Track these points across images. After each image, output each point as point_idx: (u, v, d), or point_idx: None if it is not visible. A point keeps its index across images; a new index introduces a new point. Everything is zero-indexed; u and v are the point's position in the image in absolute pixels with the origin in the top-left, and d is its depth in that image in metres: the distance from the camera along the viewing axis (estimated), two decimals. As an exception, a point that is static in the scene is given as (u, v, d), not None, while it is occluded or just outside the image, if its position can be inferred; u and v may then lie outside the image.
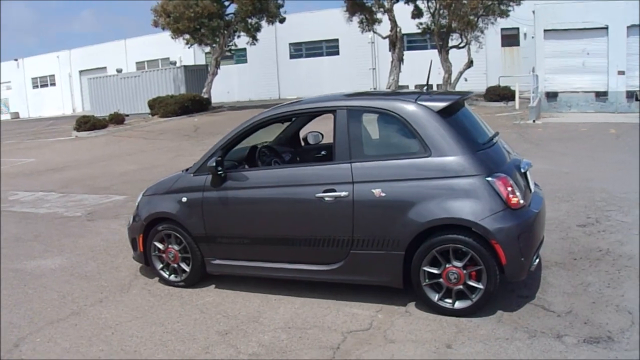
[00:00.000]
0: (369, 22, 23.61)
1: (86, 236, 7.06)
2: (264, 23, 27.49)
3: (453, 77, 21.81)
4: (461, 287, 3.89)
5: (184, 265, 4.97)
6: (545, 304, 4.10)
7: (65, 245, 6.69)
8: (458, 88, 22.40)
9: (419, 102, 4.10)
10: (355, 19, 24.10)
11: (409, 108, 4.09)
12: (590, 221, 6.11)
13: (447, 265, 3.89)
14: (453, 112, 4.27)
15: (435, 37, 21.93)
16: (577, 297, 4.20)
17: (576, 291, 4.31)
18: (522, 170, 4.30)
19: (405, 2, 22.70)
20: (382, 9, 22.54)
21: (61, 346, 4.08)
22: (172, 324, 4.31)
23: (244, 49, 36.60)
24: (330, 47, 37.95)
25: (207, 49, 29.72)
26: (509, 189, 3.84)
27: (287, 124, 5.62)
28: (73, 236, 7.10)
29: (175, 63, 32.72)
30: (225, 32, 26.64)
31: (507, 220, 3.77)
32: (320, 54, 38.61)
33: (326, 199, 4.15)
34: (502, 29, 25.30)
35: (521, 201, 3.90)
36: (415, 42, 29.10)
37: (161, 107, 26.65)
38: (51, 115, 42.05)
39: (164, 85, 30.48)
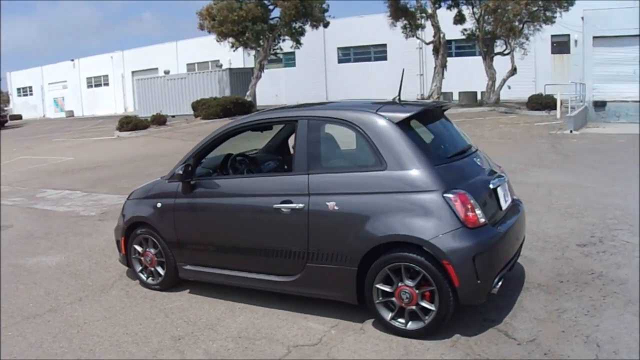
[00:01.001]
0: (412, 28, 23.35)
1: (92, 235, 7.29)
2: (308, 27, 27.63)
3: (497, 85, 21.15)
4: (414, 307, 3.74)
5: (159, 269, 5.04)
6: (509, 330, 3.87)
7: (69, 244, 6.93)
8: (502, 96, 21.80)
9: (379, 113, 3.97)
10: (399, 24, 23.87)
11: (367, 119, 3.97)
12: (593, 240, 5.75)
13: (400, 284, 3.75)
14: (419, 124, 4.12)
15: (479, 44, 21.37)
16: (547, 324, 3.94)
17: (549, 317, 4.05)
18: (491, 187, 4.08)
19: (447, 8, 22.25)
20: (424, 15, 22.19)
21: (27, 341, 4.22)
22: (135, 326, 4.37)
23: (293, 53, 37.03)
24: (378, 52, 37.77)
25: (253, 52, 30.14)
26: (467, 206, 3.65)
27: (278, 131, 5.59)
28: (80, 235, 7.34)
29: (221, 66, 33.35)
30: (270, 35, 26.95)
31: (462, 239, 3.58)
32: (368, 59, 38.50)
33: (283, 210, 4.10)
34: (552, 36, 24.43)
35: (481, 220, 3.70)
36: (462, 48, 28.52)
37: (204, 109, 27.26)
38: (104, 114, 43.72)
39: (209, 88, 31.08)
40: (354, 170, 4.00)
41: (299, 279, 4.15)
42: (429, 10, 21.85)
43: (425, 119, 4.34)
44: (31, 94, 57.81)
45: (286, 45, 28.74)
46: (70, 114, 51.20)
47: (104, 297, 5.04)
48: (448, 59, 23.65)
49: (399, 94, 4.44)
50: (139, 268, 5.21)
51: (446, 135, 4.37)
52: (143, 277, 5.18)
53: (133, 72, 46.40)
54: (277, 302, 4.53)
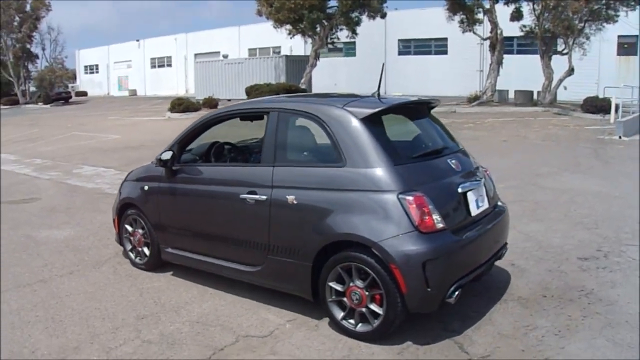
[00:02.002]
0: (470, 23, 22.65)
1: (107, 213, 7.50)
2: (365, 18, 27.36)
3: (553, 85, 20.21)
4: (363, 309, 3.67)
5: (145, 250, 5.21)
6: (466, 343, 3.71)
7: (84, 220, 7.25)
8: (560, 96, 20.83)
9: (345, 108, 3.89)
10: (457, 18, 23.22)
11: (331, 113, 3.91)
12: (597, 255, 5.42)
13: (351, 284, 3.69)
14: (396, 120, 4.01)
15: (538, 41, 20.44)
16: (509, 341, 3.75)
17: (514, 334, 3.85)
18: (460, 191, 3.91)
19: (505, 4, 21.40)
20: (481, 9, 21.46)
21: (9, 307, 4.49)
22: (109, 302, 4.55)
23: (353, 43, 36.85)
24: (438, 46, 37.03)
25: (310, 40, 30.18)
26: (423, 209, 3.51)
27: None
28: (97, 211, 7.67)
29: (278, 52, 33.63)
30: (327, 24, 26.89)
31: (413, 244, 3.45)
32: (429, 52, 37.83)
33: (248, 200, 4.12)
34: (619, 37, 23.01)
35: (438, 225, 3.56)
36: (524, 46, 27.42)
37: (256, 94, 27.61)
38: (165, 94, 44.94)
39: (265, 73, 31.40)
40: (316, 165, 3.97)
41: (261, 270, 4.17)
42: (486, 5, 21.08)
43: (404, 116, 4.22)
44: (97, 72, 60.60)
45: (343, 34, 28.56)
46: (133, 93, 53.16)
47: (93, 273, 5.26)
48: (509, 56, 22.84)
49: (379, 89, 4.33)
50: (129, 247, 5.40)
51: (422, 134, 4.23)
52: (132, 256, 5.37)
53: (196, 55, 47.61)
54: (247, 291, 4.57)
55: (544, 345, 3.67)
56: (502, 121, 18.20)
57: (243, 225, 4.23)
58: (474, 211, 3.98)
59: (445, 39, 35.03)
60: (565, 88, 20.25)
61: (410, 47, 38.90)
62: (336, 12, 26.85)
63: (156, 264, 5.17)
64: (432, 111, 4.64)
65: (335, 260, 3.70)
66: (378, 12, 26.97)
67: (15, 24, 45.31)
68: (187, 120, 21.95)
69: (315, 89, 32.44)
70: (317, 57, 28.12)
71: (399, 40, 38.73)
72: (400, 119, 4.43)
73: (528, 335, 3.83)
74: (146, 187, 5.04)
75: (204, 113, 24.15)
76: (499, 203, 4.55)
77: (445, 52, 36.20)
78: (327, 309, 3.85)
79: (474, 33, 23.18)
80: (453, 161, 4.08)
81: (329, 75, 38.95)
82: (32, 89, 47.12)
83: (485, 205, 4.17)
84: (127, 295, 4.67)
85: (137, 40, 55.17)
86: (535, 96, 21.67)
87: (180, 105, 24.79)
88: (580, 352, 3.57)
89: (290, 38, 28.91)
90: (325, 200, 3.74)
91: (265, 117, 4.29)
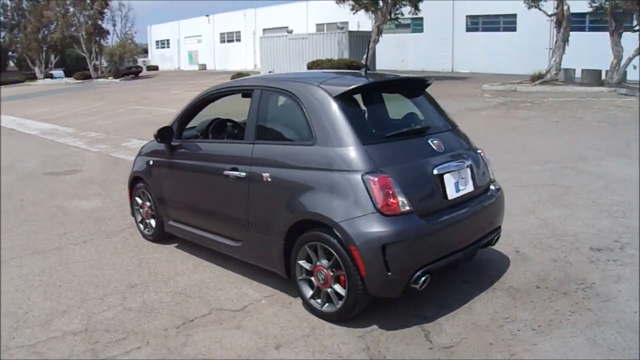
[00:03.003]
0: (535, -2, 21.41)
1: (137, 185, 7.93)
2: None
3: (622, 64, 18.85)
4: (328, 290, 3.67)
5: (152, 222, 5.43)
6: (433, 332, 3.61)
7: (114, 192, 7.62)
8: (631, 76, 19.43)
9: (321, 86, 3.85)
10: (523, -8, 22.07)
11: (305, 90, 3.88)
12: (613, 246, 5.09)
13: (318, 264, 3.70)
14: (377, 98, 3.94)
15: (608, 17, 19.05)
16: (480, 332, 3.61)
17: (488, 326, 3.69)
18: (435, 173, 3.75)
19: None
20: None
21: (20, 271, 4.86)
22: (109, 270, 4.82)
23: (421, 19, 36.05)
24: (507, 23, 35.52)
25: (373, 15, 29.67)
26: (387, 191, 3.42)
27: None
28: (128, 184, 8.02)
29: (342, 28, 33.36)
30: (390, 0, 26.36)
31: (373, 226, 3.39)
32: (497, 29, 36.40)
33: (231, 177, 4.20)
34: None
35: (404, 208, 3.46)
36: (596, 22, 25.68)
37: (318, 70, 27.74)
38: (234, 69, 45.74)
39: (328, 49, 31.27)
40: (290, 143, 3.97)
41: (242, 246, 4.27)
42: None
43: (399, 94, 4.15)
44: (168, 47, 62.70)
45: (407, 10, 27.88)
46: (203, 67, 54.54)
47: (104, 242, 5.57)
48: (580, 33, 21.50)
49: (366, 63, 4.25)
50: (139, 219, 5.66)
51: (409, 113, 4.12)
52: (141, 227, 5.62)
53: (264, 30, 48.17)
54: (238, 266, 4.67)
55: (515, 340, 3.51)
56: (562, 101, 17.23)
57: (226, 201, 4.34)
58: (452, 194, 3.82)
59: (515, 15, 33.48)
60: (634, 67, 18.80)
61: (478, 23, 37.50)
62: (398, -14, 26.26)
63: (161, 236, 5.39)
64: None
65: (303, 239, 3.72)
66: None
67: (88, 1, 47.50)
68: (243, 96, 22.32)
69: (381, 66, 32.06)
70: (379, 32, 27.62)
71: (467, 16, 37.44)
72: (393, 97, 4.34)
73: (503, 327, 3.67)
74: (151, 162, 5.24)
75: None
76: (492, 187, 4.36)
77: (514, 29, 34.62)
78: (297, 287, 3.89)
79: (539, 9, 21.92)
80: (435, 141, 3.92)
81: (397, 51, 38.26)
82: (105, 64, 49.51)
83: (469, 188, 3.99)
84: (127, 265, 4.92)
85: (207, 16, 56.49)
86: (603, 76, 20.31)
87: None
88: (550, 351, 3.37)
89: (354, 13, 28.54)
90: (296, 178, 3.75)
91: (251, 94, 4.32)
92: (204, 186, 4.62)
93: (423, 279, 3.52)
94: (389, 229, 3.38)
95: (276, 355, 3.36)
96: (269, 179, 3.90)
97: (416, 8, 26.95)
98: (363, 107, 3.95)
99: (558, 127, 12.40)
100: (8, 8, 52.09)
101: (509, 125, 12.89)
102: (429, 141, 3.90)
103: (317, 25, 44.12)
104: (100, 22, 49.43)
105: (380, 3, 26.67)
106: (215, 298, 4.16)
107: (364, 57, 27.51)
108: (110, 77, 45.48)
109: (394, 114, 4.21)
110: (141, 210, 5.56)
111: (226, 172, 4.23)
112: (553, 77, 20.50)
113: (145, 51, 65.83)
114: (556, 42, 20.90)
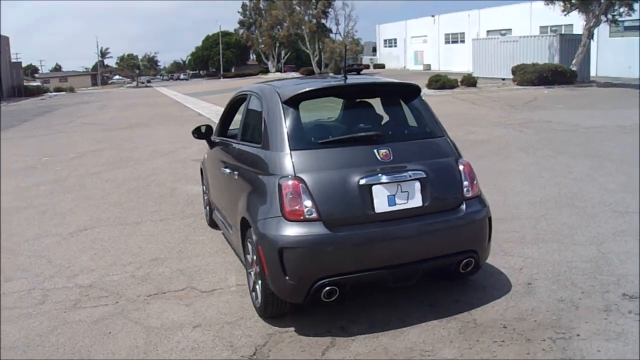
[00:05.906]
0: None
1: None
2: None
3: None
4: (258, 285, 3.87)
5: (208, 209, 6.22)
6: (336, 346, 3.47)
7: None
8: None
9: (277, 90, 4.07)
10: None
11: (266, 94, 4.16)
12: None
13: (251, 260, 3.96)
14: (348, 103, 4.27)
15: None
16: (379, 357, 3.39)
17: (397, 354, 3.37)
18: (361, 183, 3.58)
19: None
20: None
21: (94, 237, 5.98)
22: (152, 244, 5.65)
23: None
24: None
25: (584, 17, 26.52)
26: (294, 197, 3.49)
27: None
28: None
29: (555, 30, 30.68)
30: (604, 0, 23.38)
31: (274, 229, 3.49)
32: None
33: (225, 174, 4.73)
34: None
35: (311, 215, 3.46)
36: None
37: (520, 74, 26.12)
38: (456, 70, 43.89)
39: (538, 53, 29.35)
40: (251, 144, 4.27)
41: (231, 235, 4.72)
42: None
43: (378, 98, 4.26)
44: (395, 46, 64.44)
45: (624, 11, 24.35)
46: (428, 67, 54.83)
47: (176, 222, 6.43)
48: None
49: (345, 69, 4.34)
50: (205, 204, 6.46)
51: (366, 119, 4.12)
52: (206, 211, 6.44)
53: (487, 32, 46.48)
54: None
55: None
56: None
57: (226, 193, 4.84)
58: (381, 208, 3.62)
59: None
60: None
61: None
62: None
63: (214, 222, 6.10)
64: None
65: (247, 234, 3.99)
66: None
67: (312, 0, 51.49)
68: (434, 97, 21.78)
69: (605, 72, 28.56)
70: (590, 36, 24.70)
71: None
72: (363, 102, 4.38)
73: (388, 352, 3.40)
74: (206, 155, 6.05)
75: (457, 91, 24.04)
76: (464, 205, 3.90)
77: None
78: (248, 278, 4.20)
79: None
80: (382, 150, 3.74)
81: (624, 56, 33.43)
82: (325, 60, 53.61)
83: (414, 203, 3.69)
84: (169, 242, 5.71)
85: (432, 16, 56.70)
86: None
87: (437, 82, 25.24)
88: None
89: (564, 15, 25.99)
90: (245, 178, 4.13)
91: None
92: (217, 180, 5.23)
93: (327, 289, 3.49)
94: (288, 234, 3.46)
95: (187, 332, 3.74)
96: (236, 177, 4.35)
97: (630, 8, 23.33)
98: (310, 113, 4.10)
99: None
100: (247, 8, 59.86)
101: None
102: (375, 150, 3.74)
103: (541, 27, 40.89)
104: (323, 21, 53.37)
105: (593, 3, 23.71)
106: (198, 278, 4.67)
107: (573, 62, 25.04)
108: (331, 73, 48.98)
109: (355, 119, 4.25)
110: (205, 197, 6.41)
111: (222, 169, 4.83)
112: None
113: (373, 49, 69.00)
114: None
